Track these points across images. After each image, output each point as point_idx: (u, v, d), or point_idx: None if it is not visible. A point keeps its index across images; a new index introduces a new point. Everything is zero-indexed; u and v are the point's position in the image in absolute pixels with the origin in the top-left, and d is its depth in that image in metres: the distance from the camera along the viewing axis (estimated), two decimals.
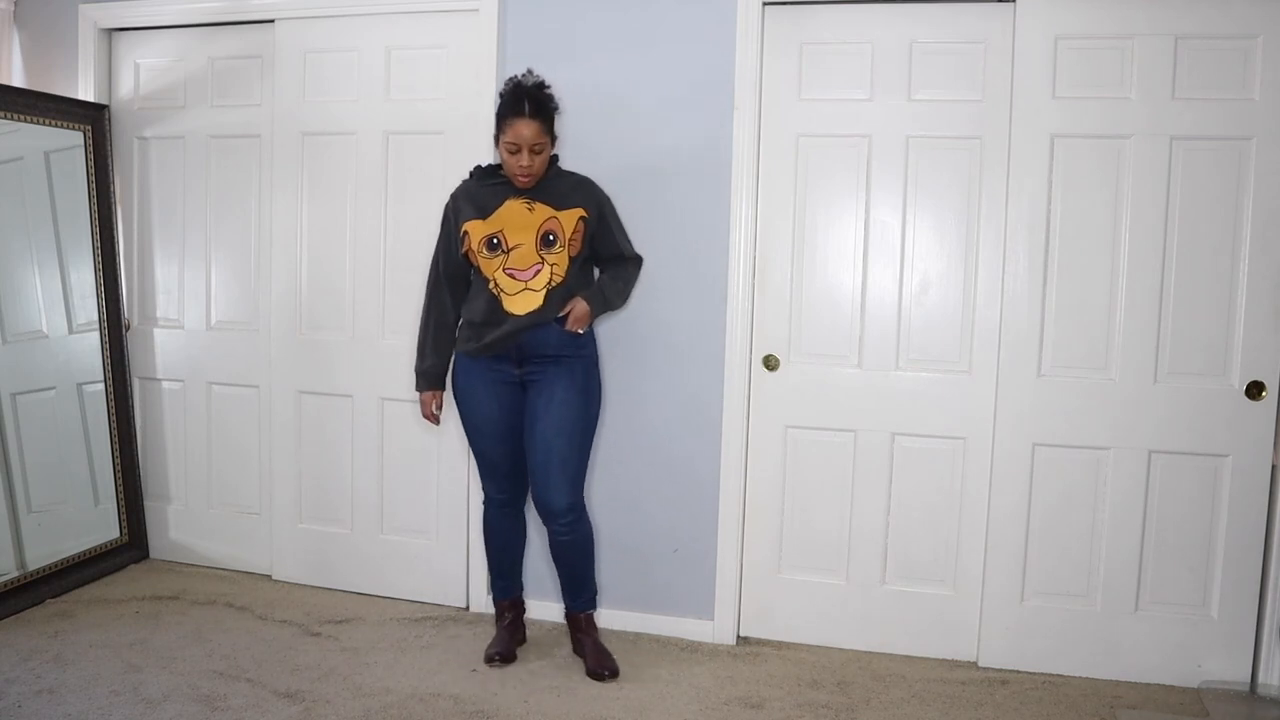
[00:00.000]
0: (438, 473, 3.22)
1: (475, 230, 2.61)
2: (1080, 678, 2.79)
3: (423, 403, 2.77)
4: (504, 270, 2.59)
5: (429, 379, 2.75)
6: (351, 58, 3.22)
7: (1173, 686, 2.74)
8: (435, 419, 2.79)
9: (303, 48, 3.26)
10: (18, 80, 3.54)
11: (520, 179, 2.56)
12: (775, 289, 2.94)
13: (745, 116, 2.86)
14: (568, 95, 2.73)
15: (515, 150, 2.52)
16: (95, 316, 3.45)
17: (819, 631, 2.98)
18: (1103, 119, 2.69)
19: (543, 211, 2.61)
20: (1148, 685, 2.75)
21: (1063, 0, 2.68)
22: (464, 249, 2.63)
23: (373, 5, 3.15)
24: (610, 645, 2.90)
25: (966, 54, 2.78)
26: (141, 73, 3.50)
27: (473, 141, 3.08)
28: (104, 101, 3.49)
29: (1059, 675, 2.80)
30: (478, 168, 2.73)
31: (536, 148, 2.52)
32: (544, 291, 2.59)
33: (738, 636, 3.01)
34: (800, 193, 2.90)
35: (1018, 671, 2.82)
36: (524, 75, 2.58)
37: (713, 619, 3.00)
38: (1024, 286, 2.76)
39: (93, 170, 3.42)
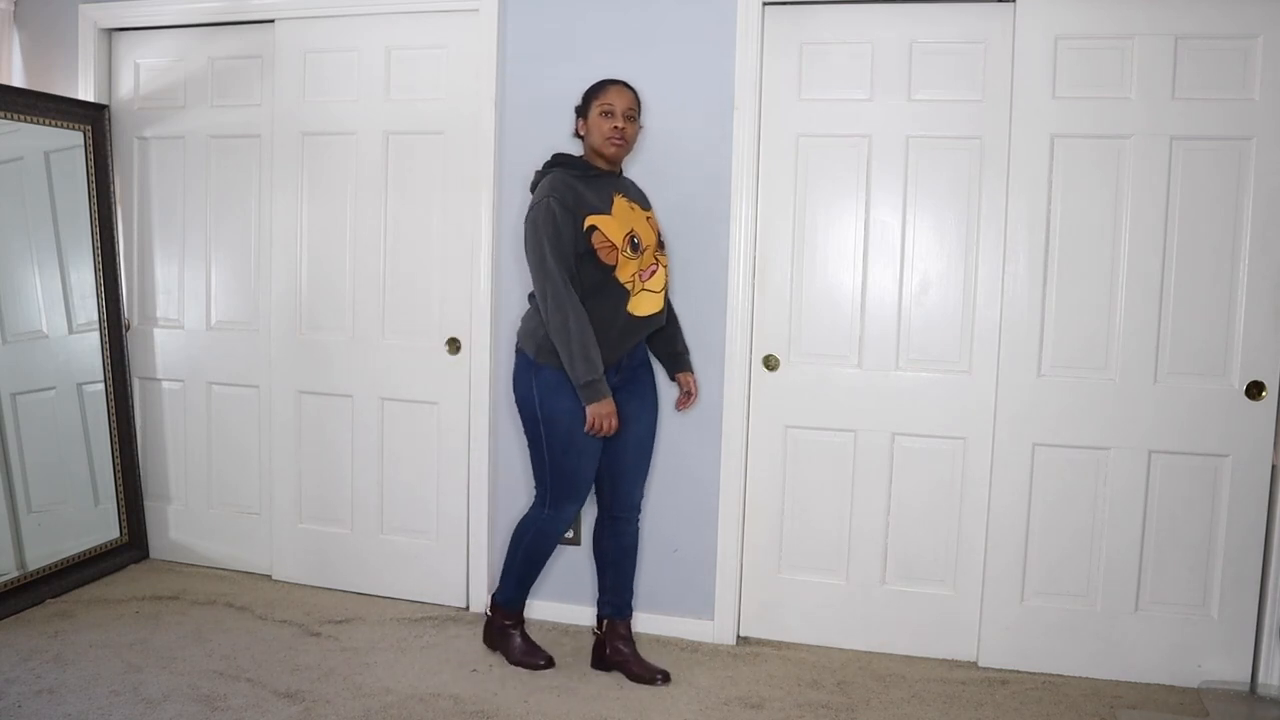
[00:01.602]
0: (438, 473, 3.22)
1: (609, 226, 2.48)
2: (1080, 678, 2.79)
3: (608, 414, 2.46)
4: (638, 272, 2.53)
5: (605, 386, 2.46)
6: (351, 58, 3.22)
7: (1173, 686, 2.74)
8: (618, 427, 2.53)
9: (303, 48, 3.26)
10: (18, 80, 3.54)
11: (614, 142, 2.54)
12: (775, 289, 2.94)
13: (745, 116, 2.86)
14: (568, 95, 2.73)
15: (609, 113, 2.53)
16: (95, 316, 3.45)
17: (819, 631, 2.98)
18: (1103, 119, 2.69)
19: (640, 211, 2.61)
20: (1148, 685, 2.75)
21: (1063, 0, 2.68)
22: (589, 245, 2.46)
23: (373, 5, 3.15)
24: None
25: (966, 54, 2.78)
26: (141, 73, 3.50)
27: (473, 141, 3.08)
28: (104, 101, 3.49)
29: (1059, 675, 2.80)
30: (560, 156, 2.60)
31: (629, 113, 2.57)
32: (662, 294, 2.61)
33: (738, 636, 3.01)
34: (800, 193, 2.90)
35: (1018, 671, 2.82)
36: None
37: (713, 619, 3.00)
38: (1024, 286, 2.76)
39: (93, 170, 3.42)
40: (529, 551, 2.72)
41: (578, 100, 2.64)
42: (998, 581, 2.84)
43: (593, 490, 2.74)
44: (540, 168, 2.64)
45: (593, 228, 2.47)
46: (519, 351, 2.62)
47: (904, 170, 2.83)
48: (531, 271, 2.51)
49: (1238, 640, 2.71)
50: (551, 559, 3.08)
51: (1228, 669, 2.72)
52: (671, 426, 2.99)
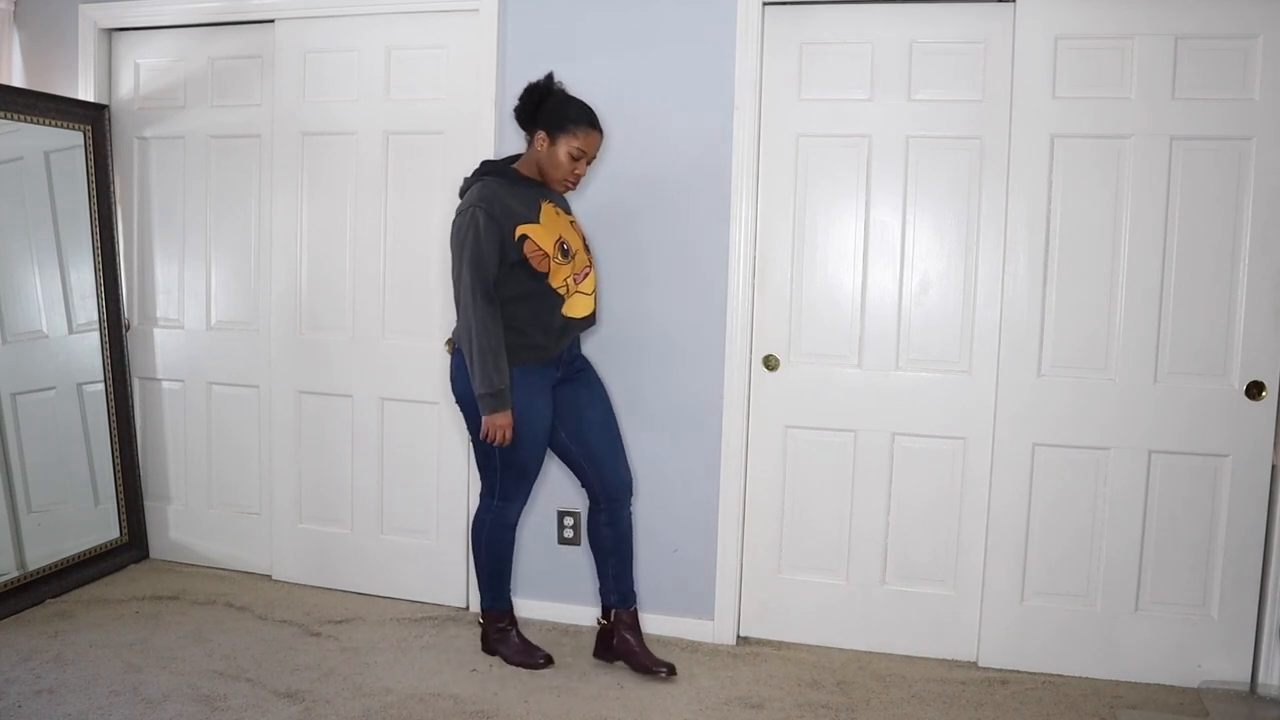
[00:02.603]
0: (438, 473, 3.22)
1: (539, 235, 2.51)
2: (1080, 678, 2.79)
3: (504, 426, 2.51)
4: (571, 276, 2.57)
5: (507, 399, 2.51)
6: (351, 58, 3.22)
7: (1173, 686, 2.74)
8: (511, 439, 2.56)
9: (303, 48, 3.26)
10: (18, 80, 3.54)
11: (568, 185, 2.59)
12: (775, 289, 2.94)
13: (745, 116, 2.86)
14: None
15: (579, 158, 2.55)
16: (95, 316, 3.45)
17: (819, 631, 2.98)
18: (1103, 119, 2.69)
19: (565, 215, 2.66)
20: (1148, 685, 2.75)
21: (1063, 0, 2.68)
22: (521, 254, 2.49)
23: (373, 5, 3.15)
24: None
25: (966, 54, 2.78)
26: (141, 73, 3.50)
27: (473, 141, 3.08)
28: (104, 101, 3.49)
29: (1059, 675, 2.80)
30: (490, 164, 2.64)
31: (592, 159, 2.60)
32: (593, 295, 2.67)
33: (738, 636, 3.01)
34: (800, 193, 2.90)
35: (1018, 671, 2.82)
36: (552, 80, 2.61)
37: (713, 619, 3.00)
38: (1024, 286, 2.76)
39: (93, 170, 3.42)
40: (490, 547, 2.76)
41: (545, 94, 2.58)
42: (998, 581, 2.84)
43: (578, 484, 2.77)
44: (470, 174, 2.65)
45: (524, 237, 2.50)
46: (457, 351, 2.63)
47: (904, 170, 2.83)
48: (451, 277, 2.55)
49: (1238, 640, 2.71)
50: (551, 559, 3.09)
51: (1228, 669, 2.72)
52: (671, 427, 2.99)
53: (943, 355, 2.85)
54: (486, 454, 2.65)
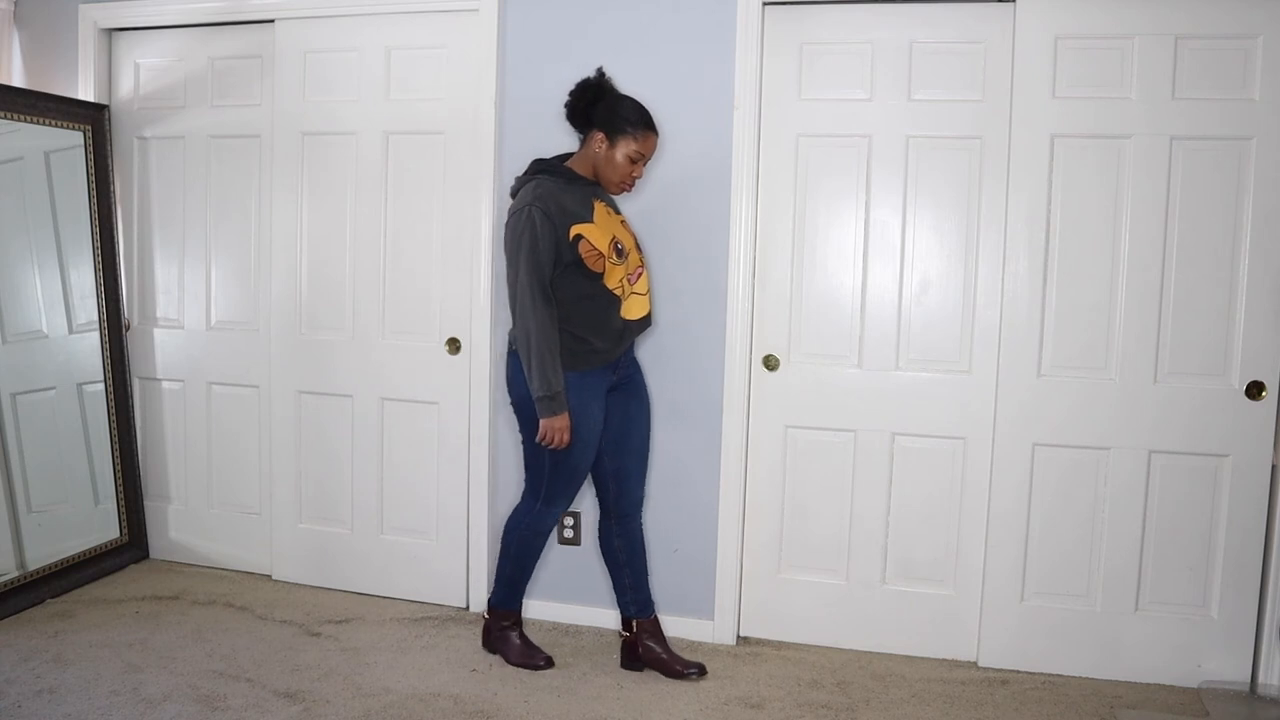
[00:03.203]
0: (437, 472, 3.22)
1: (594, 235, 2.48)
2: (1080, 678, 2.79)
3: (562, 429, 2.48)
4: (626, 276, 2.56)
5: (564, 401, 2.48)
6: (351, 58, 3.22)
7: (1173, 686, 2.74)
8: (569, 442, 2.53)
9: (303, 48, 3.26)
10: (18, 80, 3.54)
11: (625, 187, 2.58)
12: (775, 289, 2.94)
13: (745, 116, 2.86)
14: (567, 96, 2.72)
15: (637, 160, 2.54)
16: (95, 316, 3.45)
17: (819, 631, 2.98)
18: (1103, 119, 2.69)
19: (616, 215, 2.64)
20: (1148, 685, 2.75)
21: (1063, 0, 2.68)
22: (576, 254, 2.47)
23: (373, 5, 3.15)
24: (612, 646, 2.90)
25: (966, 54, 2.78)
26: (141, 73, 3.50)
27: (473, 141, 3.08)
28: (104, 101, 3.49)
29: (1059, 675, 2.80)
30: (543, 162, 2.60)
31: (647, 160, 2.59)
32: (648, 295, 2.66)
33: (738, 636, 3.01)
34: (800, 193, 2.90)
35: (1018, 671, 2.82)
36: (604, 77, 2.59)
37: (713, 619, 3.00)
38: (1024, 286, 2.76)
39: (93, 170, 3.42)
40: (520, 548, 2.73)
41: (603, 94, 2.56)
42: (998, 581, 2.84)
43: (593, 493, 2.75)
44: (521, 174, 2.63)
45: (579, 236, 2.47)
46: (513, 354, 2.60)
47: (904, 170, 2.83)
48: (506, 278, 2.52)
49: (1238, 640, 2.71)
50: (552, 559, 3.09)
51: (1228, 669, 2.72)
52: (671, 426, 2.99)
53: (943, 355, 2.85)
54: (537, 456, 2.62)
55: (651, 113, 2.55)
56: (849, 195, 2.88)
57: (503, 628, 2.81)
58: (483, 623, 2.87)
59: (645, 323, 2.66)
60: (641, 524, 2.80)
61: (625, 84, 2.93)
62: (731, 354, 2.92)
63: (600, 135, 2.53)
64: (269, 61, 3.33)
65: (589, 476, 2.75)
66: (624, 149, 2.52)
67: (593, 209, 2.53)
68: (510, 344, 2.63)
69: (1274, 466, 2.67)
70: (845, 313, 2.90)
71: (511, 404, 2.66)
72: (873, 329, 2.89)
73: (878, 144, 2.84)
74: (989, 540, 2.84)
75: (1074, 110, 2.70)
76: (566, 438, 2.50)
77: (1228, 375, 2.67)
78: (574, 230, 2.47)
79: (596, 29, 2.97)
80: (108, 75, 3.52)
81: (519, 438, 2.70)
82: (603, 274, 2.50)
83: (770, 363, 2.95)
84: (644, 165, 2.58)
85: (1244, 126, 2.61)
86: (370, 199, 3.23)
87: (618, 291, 2.54)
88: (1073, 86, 2.70)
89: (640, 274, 2.62)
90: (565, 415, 2.49)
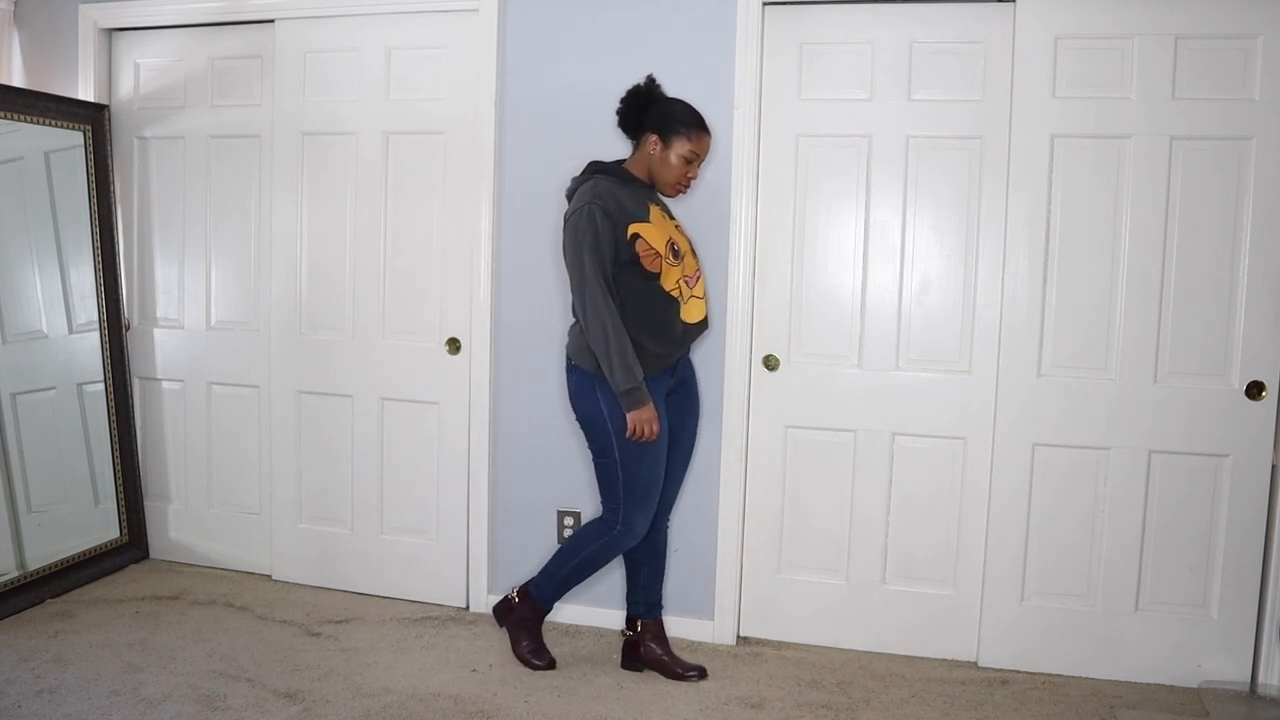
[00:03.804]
0: (438, 473, 3.22)
1: (651, 234, 2.48)
2: (1080, 678, 2.79)
3: (650, 419, 2.44)
4: (683, 278, 2.55)
5: (646, 392, 2.45)
6: (351, 58, 3.22)
7: (1173, 686, 2.74)
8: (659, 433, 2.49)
9: (303, 48, 3.26)
10: (18, 80, 3.54)
11: (680, 188, 2.58)
12: (775, 289, 2.94)
13: (745, 116, 2.86)
14: (567, 95, 2.74)
15: (692, 160, 2.54)
16: (95, 316, 3.45)
17: (819, 631, 2.98)
18: (1103, 119, 2.69)
19: (671, 219, 2.63)
20: (1148, 685, 2.75)
21: (1063, 0, 2.68)
22: (633, 253, 2.46)
23: (373, 5, 3.15)
24: (612, 646, 2.90)
25: (966, 54, 2.78)
26: (141, 73, 3.50)
27: (473, 141, 3.08)
28: (104, 101, 3.49)
29: (1059, 675, 2.80)
30: (599, 164, 2.60)
31: (702, 161, 2.59)
32: (705, 299, 2.65)
33: (738, 636, 3.01)
34: (800, 193, 2.90)
35: (1018, 671, 2.82)
36: (654, 83, 2.60)
37: (713, 619, 3.00)
38: (1024, 286, 2.76)
39: (93, 170, 3.42)
40: (588, 559, 2.66)
41: (577, 101, 2.60)
42: (998, 581, 2.84)
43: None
44: (578, 175, 2.62)
45: (636, 235, 2.46)
46: (575, 368, 2.57)
47: (904, 170, 2.83)
48: (570, 279, 2.50)
49: (1238, 640, 2.71)
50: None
51: (1228, 669, 2.72)
52: None
53: (943, 355, 2.85)
54: (609, 470, 2.57)
55: None
56: (849, 195, 2.88)
57: (525, 618, 2.77)
58: (504, 599, 2.81)
59: (703, 326, 2.64)
60: (668, 529, 2.80)
61: (625, 84, 2.92)
62: (731, 354, 2.92)
63: (654, 137, 2.54)
64: (269, 61, 3.33)
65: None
66: (678, 149, 2.52)
67: (649, 210, 2.53)
68: (569, 358, 2.60)
69: (1274, 466, 2.67)
70: (845, 313, 2.90)
71: (578, 421, 2.62)
72: (873, 329, 2.89)
73: (878, 144, 2.84)
74: (989, 540, 2.84)
75: (1074, 110, 2.70)
76: (656, 427, 2.47)
77: (1228, 375, 2.67)
78: (632, 229, 2.46)
79: (596, 29, 2.97)
80: (108, 75, 3.52)
81: (588, 454, 2.67)
82: (659, 274, 2.49)
83: (770, 363, 2.95)
84: (699, 166, 2.58)
85: (1244, 126, 2.61)
86: (370, 199, 3.23)
87: (675, 293, 2.53)
88: (1073, 86, 2.70)
89: (698, 277, 2.61)
90: (650, 406, 2.46)
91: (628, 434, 2.48)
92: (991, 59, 2.76)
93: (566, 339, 2.67)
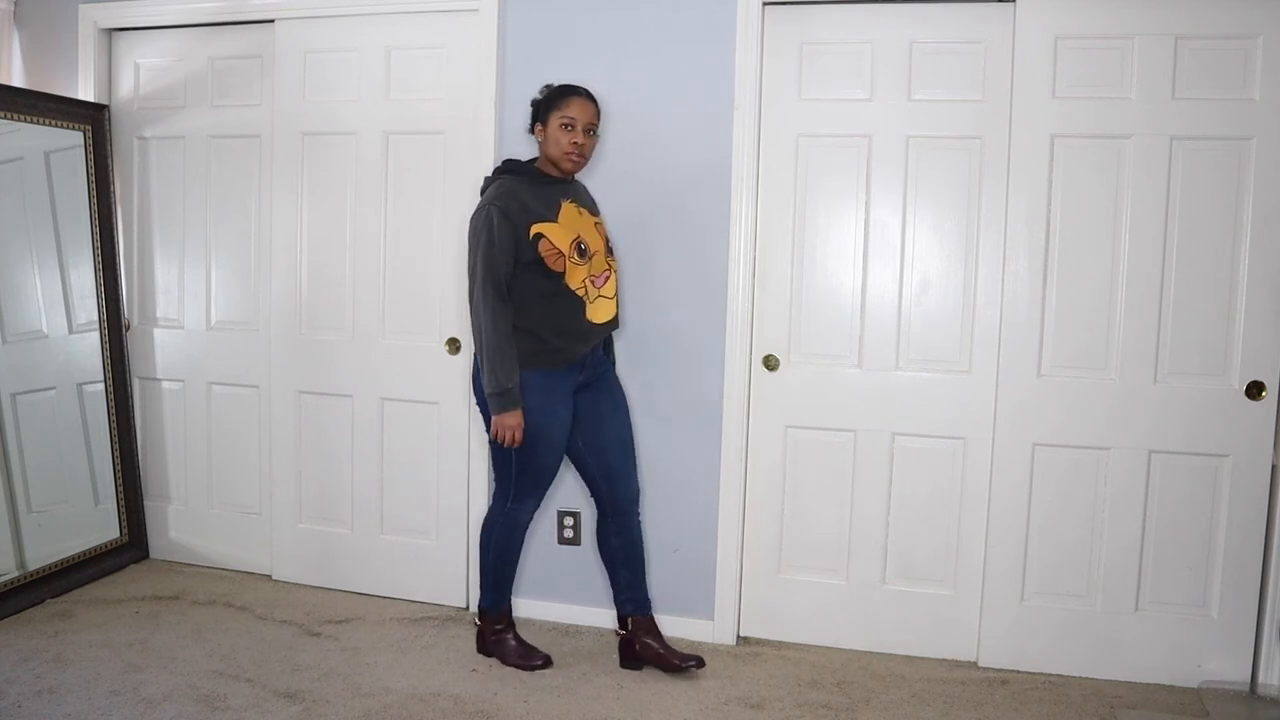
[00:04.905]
0: (438, 473, 3.22)
1: (555, 234, 2.50)
2: (1080, 678, 2.79)
3: (514, 426, 2.50)
4: (589, 278, 2.56)
5: (516, 398, 2.50)
6: (351, 58, 3.22)
7: (1173, 686, 2.74)
8: (522, 441, 2.54)
9: (303, 48, 3.26)
10: (18, 80, 3.54)
11: (571, 158, 2.56)
12: (775, 289, 2.94)
13: (745, 116, 2.86)
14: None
15: (570, 126, 2.53)
16: (95, 316, 3.45)
17: (819, 631, 2.98)
18: (1103, 119, 2.69)
19: (589, 216, 2.64)
20: (1148, 685, 2.75)
21: (1063, 0, 2.68)
22: (536, 253, 2.49)
23: (373, 5, 3.15)
24: (612, 646, 2.90)
25: (966, 54, 2.78)
26: (141, 73, 3.50)
27: (473, 141, 3.08)
28: (104, 101, 3.49)
29: (1059, 675, 2.80)
30: (511, 162, 2.65)
31: (589, 129, 2.57)
32: (615, 299, 2.67)
33: (738, 636, 3.01)
34: (800, 193, 2.90)
35: (1018, 671, 2.82)
36: (547, 86, 2.65)
37: (713, 619, 3.00)
38: (1024, 286, 2.76)
39: (93, 170, 3.42)
40: (499, 549, 2.75)
41: (536, 94, 2.63)
42: (998, 581, 2.83)
43: (586, 493, 2.76)
44: (490, 173, 2.67)
45: (539, 235, 2.49)
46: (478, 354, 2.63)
47: (904, 170, 2.83)
48: (468, 276, 2.56)
49: (1238, 640, 2.71)
50: (552, 559, 3.09)
51: (1228, 669, 2.72)
52: (671, 427, 2.99)
53: (943, 355, 2.85)
54: (503, 455, 2.63)
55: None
56: (849, 195, 2.88)
57: (496, 632, 2.81)
58: (476, 631, 2.87)
59: (611, 326, 2.67)
60: (639, 521, 2.79)
61: (625, 84, 2.94)
62: (731, 354, 2.92)
63: (538, 125, 2.61)
64: (269, 61, 3.33)
65: (581, 477, 2.77)
66: (554, 123, 2.55)
67: (558, 209, 2.55)
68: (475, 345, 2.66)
69: (1274, 466, 2.67)
70: (845, 313, 2.90)
71: (477, 404, 2.69)
72: (873, 329, 2.89)
73: (878, 144, 2.84)
74: (989, 540, 2.84)
75: (1074, 110, 2.70)
76: (519, 436, 2.52)
77: (1228, 375, 2.67)
78: (534, 229, 2.50)
79: (596, 29, 2.97)
80: (108, 75, 3.52)
81: (484, 436, 2.70)
82: (564, 273, 2.51)
83: (770, 363, 2.95)
84: (584, 132, 2.55)
85: (1244, 126, 2.61)
86: (370, 199, 3.23)
87: (580, 292, 2.55)
88: (1073, 86, 2.70)
89: (608, 277, 2.63)
90: (517, 413, 2.50)
91: (490, 435, 2.53)
92: (991, 59, 2.76)
93: None
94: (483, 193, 2.63)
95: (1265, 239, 2.62)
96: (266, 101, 3.35)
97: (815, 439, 2.95)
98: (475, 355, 2.63)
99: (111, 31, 3.50)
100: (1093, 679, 2.78)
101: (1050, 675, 2.80)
